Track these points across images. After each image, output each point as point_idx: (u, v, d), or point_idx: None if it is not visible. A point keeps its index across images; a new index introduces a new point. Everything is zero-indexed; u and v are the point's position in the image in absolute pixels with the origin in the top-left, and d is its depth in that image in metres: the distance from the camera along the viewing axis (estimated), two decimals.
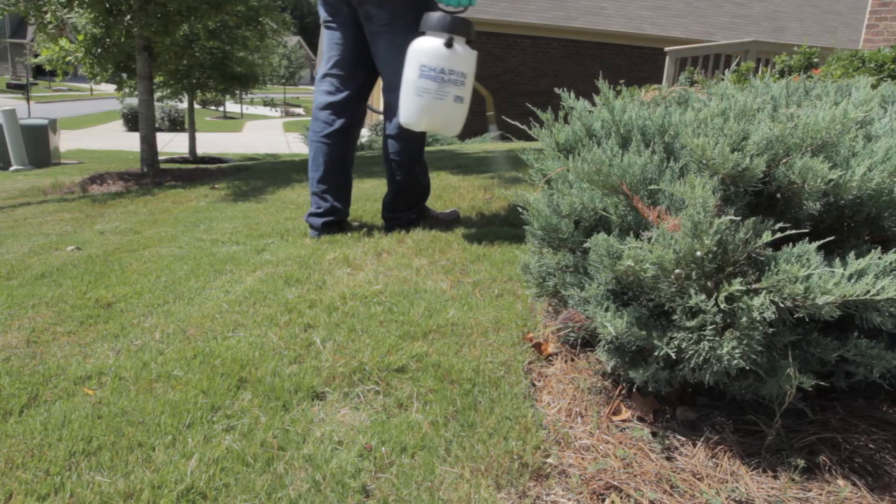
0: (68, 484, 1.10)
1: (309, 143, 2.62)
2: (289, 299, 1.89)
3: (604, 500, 1.08)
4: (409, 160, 2.58)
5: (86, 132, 19.19)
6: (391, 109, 2.49)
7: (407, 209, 2.69)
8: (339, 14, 2.49)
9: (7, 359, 1.59)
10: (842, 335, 1.14)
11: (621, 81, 1.99)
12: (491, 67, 12.81)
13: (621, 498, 1.08)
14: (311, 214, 2.66)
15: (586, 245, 1.25)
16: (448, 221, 2.78)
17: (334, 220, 2.62)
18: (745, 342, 1.08)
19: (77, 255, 2.68)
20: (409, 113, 2.25)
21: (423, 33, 2.23)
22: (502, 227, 2.67)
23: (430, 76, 2.16)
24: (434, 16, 2.20)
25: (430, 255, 2.30)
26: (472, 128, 12.61)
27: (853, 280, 1.02)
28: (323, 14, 2.54)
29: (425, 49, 2.17)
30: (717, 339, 1.10)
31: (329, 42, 2.55)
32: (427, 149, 8.67)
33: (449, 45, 2.15)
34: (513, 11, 12.61)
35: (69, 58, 6.70)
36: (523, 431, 1.23)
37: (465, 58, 2.20)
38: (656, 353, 1.16)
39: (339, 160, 2.58)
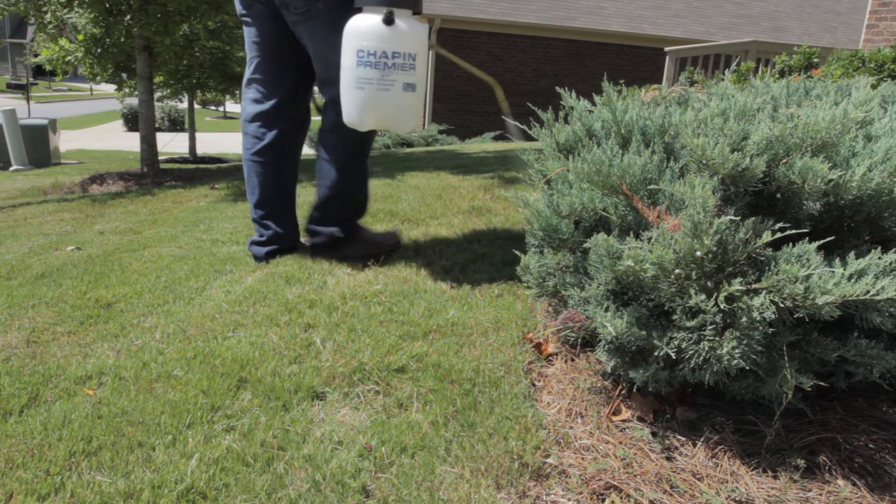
0: (68, 484, 1.10)
1: (242, 162, 2.25)
2: (289, 299, 1.89)
3: (604, 500, 1.08)
4: (347, 163, 2.15)
5: (86, 132, 19.20)
6: (331, 102, 2.11)
7: (335, 223, 2.22)
8: (252, 6, 2.11)
9: (7, 359, 1.59)
10: (842, 335, 1.14)
11: (621, 81, 1.99)
12: (491, 67, 12.81)
13: (621, 498, 1.08)
14: (253, 242, 2.30)
15: (586, 245, 1.25)
16: (385, 246, 2.30)
17: (279, 249, 2.27)
18: (745, 342, 1.08)
19: (77, 255, 2.68)
20: (351, 109, 1.87)
21: (359, 10, 1.84)
22: (502, 227, 2.67)
23: (369, 63, 1.78)
24: None
25: (430, 255, 2.30)
26: (473, 128, 12.65)
27: (853, 280, 1.02)
28: (238, 7, 2.15)
29: (360, 30, 1.79)
30: (717, 339, 1.10)
31: (248, 41, 2.18)
32: (427, 149, 8.63)
33: (389, 21, 1.77)
34: (513, 11, 12.62)
35: (69, 58, 6.70)
36: (523, 431, 1.23)
37: (411, 35, 1.82)
38: (656, 353, 1.16)
39: (277, 179, 2.21)
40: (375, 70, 1.79)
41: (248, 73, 2.19)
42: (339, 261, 2.18)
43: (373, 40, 1.78)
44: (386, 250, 2.26)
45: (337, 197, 2.17)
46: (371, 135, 2.15)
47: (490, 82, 2.48)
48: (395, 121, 1.90)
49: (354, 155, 2.15)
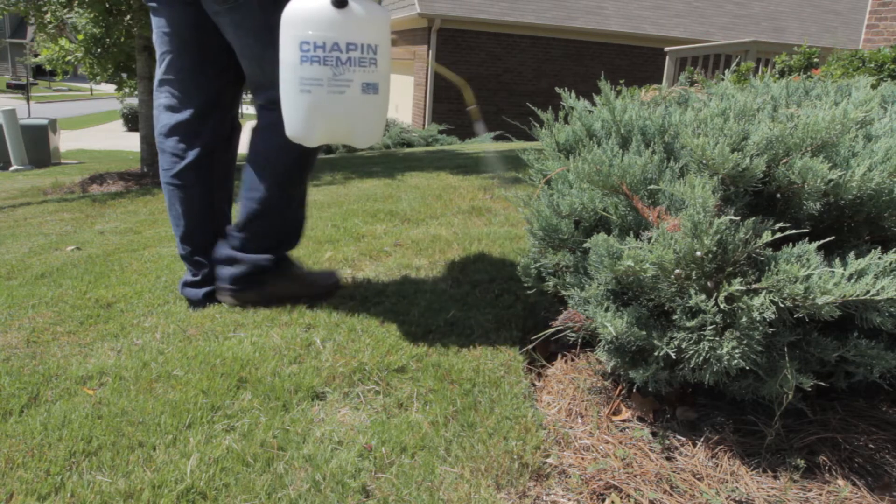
0: (69, 484, 1.10)
1: (162, 186, 1.81)
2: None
3: (604, 500, 1.08)
4: (286, 173, 1.69)
5: (86, 132, 19.19)
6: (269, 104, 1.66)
7: (263, 250, 1.72)
8: None
9: (7, 359, 1.59)
10: (842, 335, 1.14)
11: (621, 81, 1.99)
12: (491, 67, 12.81)
13: (621, 498, 1.08)
14: (185, 284, 1.85)
15: (586, 245, 1.25)
16: (322, 287, 1.88)
17: None
18: (744, 342, 1.08)
19: (77, 255, 2.68)
20: (295, 120, 1.48)
21: None
22: (502, 227, 2.67)
23: (317, 58, 1.41)
24: None
25: (430, 255, 2.30)
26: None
27: (853, 280, 1.02)
28: None
29: (304, 16, 1.42)
30: (717, 339, 1.10)
31: (157, 32, 1.73)
32: (427, 149, 8.60)
33: (341, 2, 1.40)
34: (513, 11, 12.61)
35: (69, 58, 6.70)
36: (523, 431, 1.23)
37: (370, 21, 1.45)
38: (656, 353, 1.16)
39: (205, 206, 1.76)
40: (325, 67, 1.41)
41: (159, 73, 1.72)
42: (266, 305, 1.75)
43: (321, 29, 1.40)
44: (323, 291, 1.83)
45: (268, 215, 1.68)
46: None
47: (457, 83, 2.19)
48: (353, 132, 1.50)
49: (296, 165, 1.69)
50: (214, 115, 1.75)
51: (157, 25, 1.72)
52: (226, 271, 1.72)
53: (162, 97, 1.74)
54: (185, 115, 1.71)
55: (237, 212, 1.74)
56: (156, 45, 1.72)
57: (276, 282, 1.77)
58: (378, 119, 1.52)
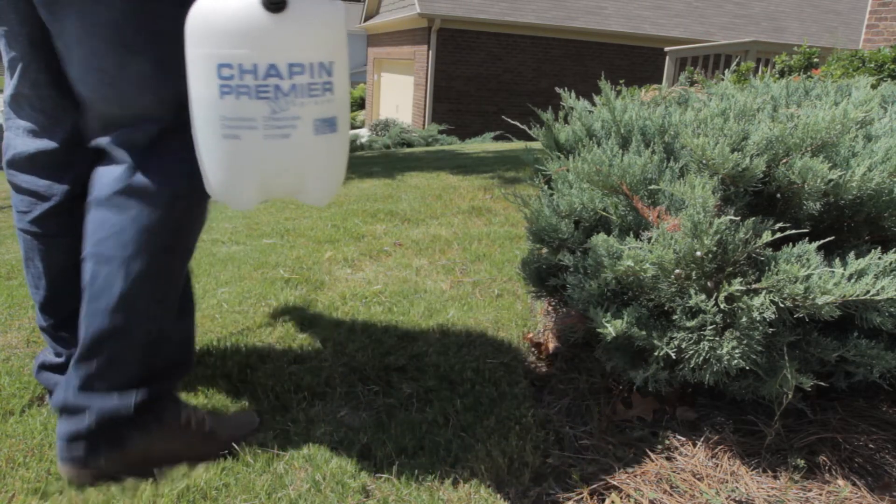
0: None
1: (16, 233, 1.26)
2: (289, 299, 1.89)
3: (604, 500, 1.08)
4: (150, 261, 1.09)
5: None
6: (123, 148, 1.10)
7: (116, 387, 1.09)
8: None
9: (7, 359, 1.59)
10: (842, 335, 1.14)
11: (621, 81, 1.99)
12: (491, 67, 12.81)
13: (621, 498, 1.08)
14: (43, 367, 1.30)
15: (586, 245, 1.25)
16: (225, 443, 1.20)
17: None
18: (745, 342, 1.08)
19: None
20: (217, 176, 1.02)
21: None
22: (502, 227, 2.67)
23: (245, 88, 0.94)
24: None
25: (430, 255, 2.30)
26: (473, 127, 12.66)
27: (853, 280, 1.02)
28: None
29: (220, 26, 0.94)
30: (717, 339, 1.10)
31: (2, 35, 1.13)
32: (427, 149, 8.58)
33: (275, 3, 0.92)
34: (513, 11, 12.61)
35: None
36: (523, 431, 1.23)
37: (321, 26, 0.99)
38: (656, 353, 1.16)
39: (74, 262, 1.16)
40: (259, 102, 0.95)
41: (11, 85, 1.16)
42: (136, 474, 1.11)
43: (248, 44, 0.93)
44: (226, 447, 1.19)
45: (127, 332, 1.10)
46: (203, 208, 1.15)
47: None
48: (304, 186, 1.05)
49: (165, 246, 1.11)
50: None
51: None
52: (61, 427, 1.10)
53: (21, 119, 1.20)
54: (51, 143, 1.18)
55: (80, 331, 1.10)
56: (1, 48, 1.16)
57: (146, 438, 1.11)
58: (338, 166, 1.08)
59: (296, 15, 0.95)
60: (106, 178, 1.09)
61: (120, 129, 1.08)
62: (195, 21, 0.95)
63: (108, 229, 1.09)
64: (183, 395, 1.36)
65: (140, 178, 1.07)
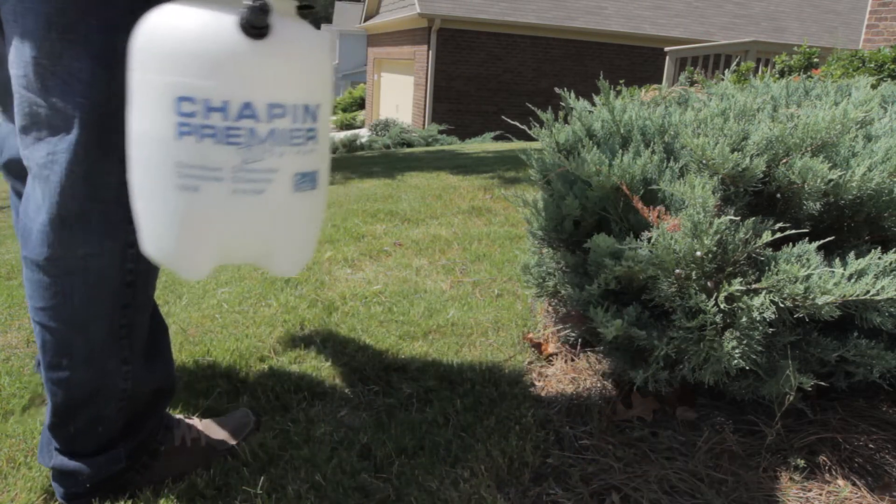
0: None
1: None
2: (289, 299, 1.89)
3: (604, 500, 1.08)
4: (83, 330, 0.97)
5: None
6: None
7: (101, 447, 1.03)
8: None
9: (7, 359, 1.59)
10: (842, 335, 1.14)
11: (621, 81, 1.99)
12: (491, 67, 12.81)
13: (621, 498, 1.08)
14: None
15: (586, 245, 1.25)
16: (220, 451, 1.18)
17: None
18: (745, 342, 1.08)
19: None
20: (164, 234, 0.81)
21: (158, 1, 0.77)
22: (502, 227, 2.67)
23: (210, 129, 0.74)
24: None
25: (430, 255, 2.30)
26: (473, 127, 12.66)
27: (853, 280, 1.02)
28: None
29: (183, 48, 0.74)
30: (717, 339, 1.10)
31: None
32: (427, 149, 8.58)
33: (258, 25, 0.73)
34: (513, 11, 12.62)
35: None
36: (523, 431, 1.23)
37: (310, 61, 0.82)
38: (656, 353, 1.16)
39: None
40: (229, 148, 0.76)
41: None
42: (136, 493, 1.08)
43: (219, 75, 0.74)
44: (225, 452, 1.18)
45: (93, 400, 0.99)
46: (149, 275, 1.01)
47: None
48: (272, 252, 0.87)
49: (122, 304, 0.98)
50: None
51: None
52: (57, 484, 1.05)
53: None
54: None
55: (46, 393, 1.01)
56: None
57: (145, 474, 1.09)
58: (314, 229, 0.91)
59: (280, 44, 0.76)
60: (35, 229, 0.99)
61: (43, 138, 0.88)
62: (149, 38, 0.75)
63: (49, 295, 1.01)
64: (183, 395, 1.36)
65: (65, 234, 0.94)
